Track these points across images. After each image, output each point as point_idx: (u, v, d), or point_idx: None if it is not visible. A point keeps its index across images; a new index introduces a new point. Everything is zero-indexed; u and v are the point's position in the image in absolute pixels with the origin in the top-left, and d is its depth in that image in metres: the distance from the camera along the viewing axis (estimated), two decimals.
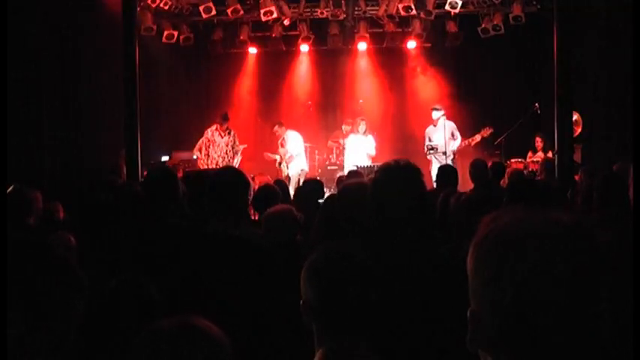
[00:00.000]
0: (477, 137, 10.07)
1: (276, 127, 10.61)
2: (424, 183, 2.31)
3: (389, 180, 2.24)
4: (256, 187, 5.21)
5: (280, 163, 10.45)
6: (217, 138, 10.00)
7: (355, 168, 9.18)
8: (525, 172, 9.02)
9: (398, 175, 2.24)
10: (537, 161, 9.38)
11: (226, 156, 10.01)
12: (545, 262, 0.83)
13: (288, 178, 10.05)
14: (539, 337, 0.83)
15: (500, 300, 0.85)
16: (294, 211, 3.35)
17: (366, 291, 1.59)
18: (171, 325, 1.28)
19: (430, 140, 10.12)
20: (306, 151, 11.58)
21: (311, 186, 5.25)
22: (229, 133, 10.04)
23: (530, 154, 10.08)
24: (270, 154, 11.12)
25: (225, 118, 10.04)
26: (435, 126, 10.15)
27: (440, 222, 3.83)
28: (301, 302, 1.62)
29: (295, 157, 10.51)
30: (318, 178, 11.19)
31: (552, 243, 0.84)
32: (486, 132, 9.99)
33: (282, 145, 10.47)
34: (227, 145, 10.04)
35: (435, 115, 10.13)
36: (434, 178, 7.53)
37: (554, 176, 7.39)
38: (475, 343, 0.90)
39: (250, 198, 2.91)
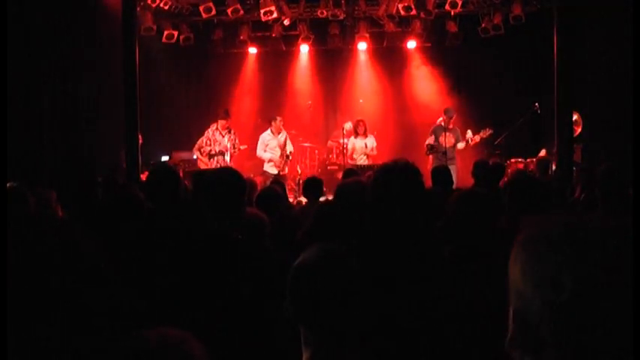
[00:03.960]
0: (477, 138, 10.05)
1: (280, 119, 10.30)
2: (423, 183, 2.31)
3: (387, 180, 2.24)
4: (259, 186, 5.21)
5: (287, 156, 10.23)
6: (218, 137, 9.99)
7: (352, 167, 9.14)
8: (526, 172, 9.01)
9: (397, 175, 2.24)
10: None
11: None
12: (607, 262, 0.84)
13: (285, 177, 9.98)
14: (594, 340, 0.83)
15: (555, 301, 0.85)
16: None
17: (350, 294, 1.56)
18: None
19: (436, 139, 9.99)
20: (305, 150, 11.58)
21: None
22: (230, 132, 10.02)
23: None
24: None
25: (227, 114, 10.03)
26: (446, 128, 9.97)
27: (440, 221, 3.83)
28: (284, 303, 1.60)
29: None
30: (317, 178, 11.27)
31: (612, 244, 0.85)
32: (486, 133, 9.97)
33: (280, 141, 10.25)
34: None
35: (448, 117, 9.98)
36: None
37: (549, 175, 7.41)
38: (516, 343, 0.90)
39: (249, 198, 2.90)
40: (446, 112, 10.02)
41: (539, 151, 9.83)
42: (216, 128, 9.98)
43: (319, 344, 1.54)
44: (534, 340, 0.87)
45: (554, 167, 8.16)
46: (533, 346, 0.88)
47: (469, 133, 9.95)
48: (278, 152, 10.20)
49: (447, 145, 9.73)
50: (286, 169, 10.34)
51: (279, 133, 10.25)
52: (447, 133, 9.80)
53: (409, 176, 2.26)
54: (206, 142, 10.00)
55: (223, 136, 9.96)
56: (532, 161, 9.79)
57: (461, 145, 9.93)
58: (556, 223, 0.91)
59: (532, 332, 0.88)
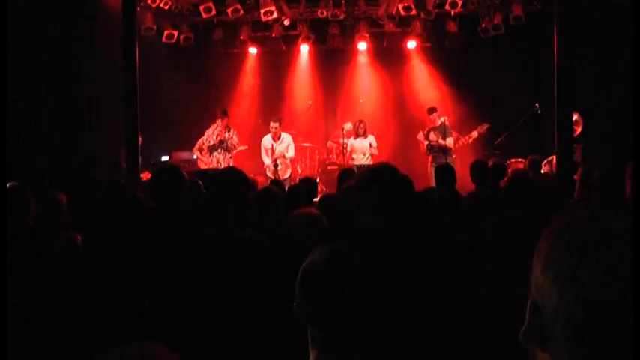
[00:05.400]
0: (474, 134, 10.10)
1: (276, 124, 10.16)
2: (411, 185, 2.29)
3: (370, 183, 2.23)
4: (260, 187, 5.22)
5: (275, 165, 10.10)
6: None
7: (351, 168, 9.16)
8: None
9: (380, 179, 2.23)
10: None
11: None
12: (627, 265, 0.81)
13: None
14: (607, 342, 0.82)
15: (572, 299, 0.84)
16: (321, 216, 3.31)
17: (357, 294, 1.57)
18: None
19: (429, 139, 10.16)
20: (305, 150, 11.56)
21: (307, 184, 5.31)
22: (229, 131, 10.02)
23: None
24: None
25: (224, 113, 10.01)
26: (433, 126, 10.21)
27: (439, 223, 3.84)
28: (294, 304, 1.61)
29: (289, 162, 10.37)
30: (317, 178, 11.27)
31: (631, 246, 0.83)
32: (482, 128, 10.02)
33: (274, 148, 10.16)
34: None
35: (432, 116, 10.21)
36: (433, 176, 7.58)
37: (541, 174, 7.45)
38: (529, 336, 0.90)
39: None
40: (431, 112, 10.27)
41: (545, 156, 9.85)
42: (216, 128, 9.99)
43: (326, 344, 1.55)
44: (547, 335, 0.87)
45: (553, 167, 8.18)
46: (546, 341, 0.88)
47: (449, 140, 10.02)
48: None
49: (433, 142, 9.91)
50: (287, 174, 10.16)
51: (278, 138, 10.17)
52: (434, 132, 10.04)
53: (393, 180, 2.23)
54: (206, 140, 10.01)
55: (223, 135, 9.97)
56: None
57: (449, 141, 10.00)
58: (583, 219, 0.89)
59: (546, 327, 0.88)
